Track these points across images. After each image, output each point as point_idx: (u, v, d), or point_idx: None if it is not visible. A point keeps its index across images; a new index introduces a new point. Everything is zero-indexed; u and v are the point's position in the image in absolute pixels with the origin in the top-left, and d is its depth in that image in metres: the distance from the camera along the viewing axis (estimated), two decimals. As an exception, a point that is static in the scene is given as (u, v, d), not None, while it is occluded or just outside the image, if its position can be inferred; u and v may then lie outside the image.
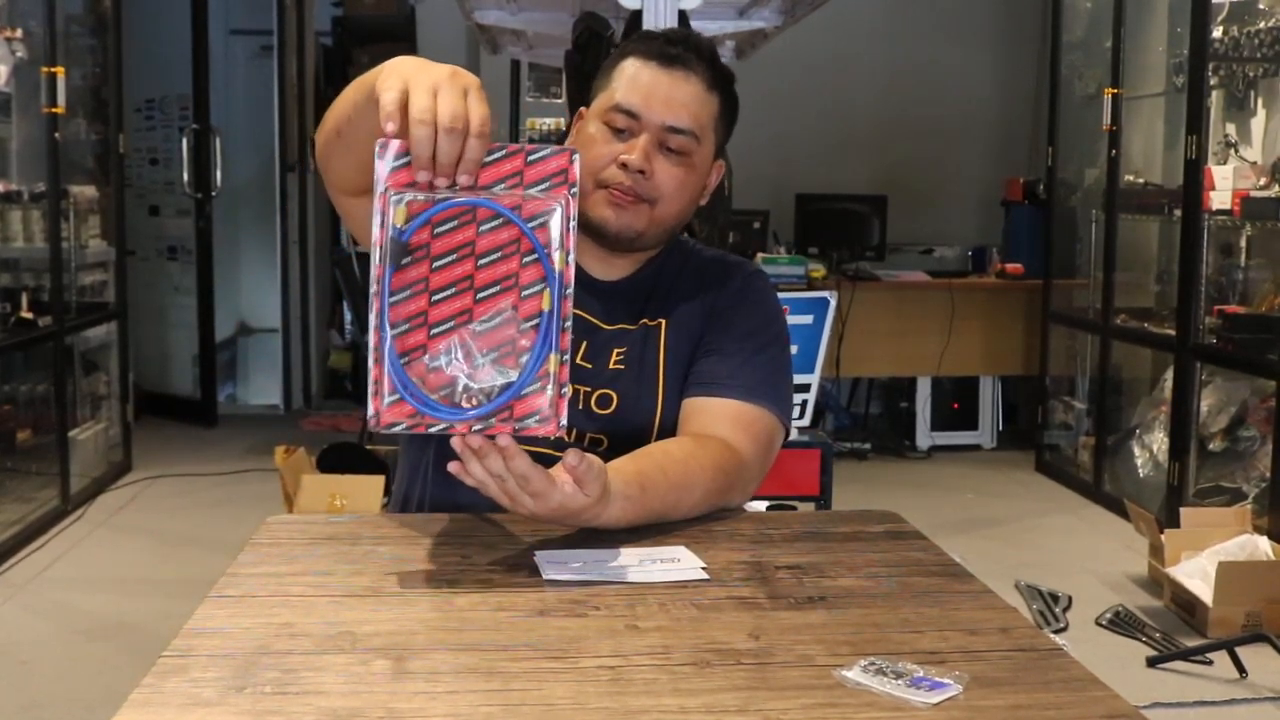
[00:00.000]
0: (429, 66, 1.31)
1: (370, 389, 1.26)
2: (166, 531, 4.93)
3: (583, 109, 1.81)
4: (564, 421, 1.30)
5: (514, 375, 1.29)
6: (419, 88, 1.27)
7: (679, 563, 1.40)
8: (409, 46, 7.59)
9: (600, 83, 1.79)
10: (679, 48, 1.74)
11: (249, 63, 7.41)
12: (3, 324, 4.90)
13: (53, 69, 5.02)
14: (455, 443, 1.31)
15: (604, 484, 1.41)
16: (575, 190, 1.30)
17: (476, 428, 1.29)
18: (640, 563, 1.39)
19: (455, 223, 1.28)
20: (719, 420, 1.68)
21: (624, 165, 1.71)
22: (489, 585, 1.33)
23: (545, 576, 1.35)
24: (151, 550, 4.69)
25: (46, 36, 5.02)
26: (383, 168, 1.27)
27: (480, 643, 1.17)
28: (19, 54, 4.91)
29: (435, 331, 1.26)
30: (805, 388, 3.39)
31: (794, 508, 3.34)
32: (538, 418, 1.30)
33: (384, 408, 1.26)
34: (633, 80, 1.73)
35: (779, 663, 1.14)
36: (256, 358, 7.55)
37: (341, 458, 4.71)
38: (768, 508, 2.88)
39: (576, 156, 1.31)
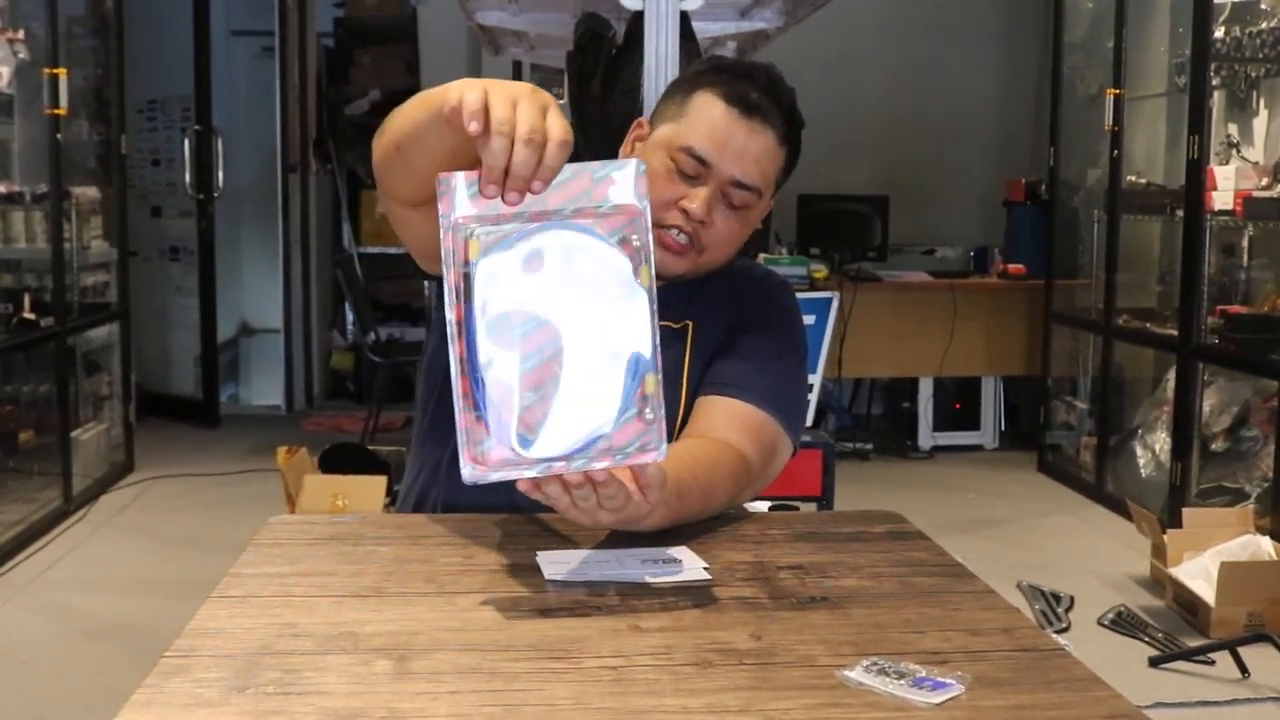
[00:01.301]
0: (506, 82, 1.28)
1: (461, 440, 1.20)
2: (168, 532, 4.92)
3: (643, 120, 1.79)
4: (665, 448, 1.26)
5: (612, 405, 1.24)
6: (498, 98, 1.24)
7: (681, 563, 1.40)
8: (410, 48, 7.60)
9: (672, 104, 1.74)
10: (763, 96, 1.69)
11: (250, 63, 7.38)
12: (5, 324, 4.89)
13: (55, 70, 5.02)
14: (548, 486, 1.26)
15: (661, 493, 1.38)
16: (645, 201, 1.26)
17: (576, 464, 1.24)
18: (642, 563, 1.39)
19: (534, 248, 1.22)
20: (727, 421, 1.67)
21: (684, 211, 1.69)
22: (491, 586, 1.33)
23: (547, 577, 1.35)
24: (153, 551, 4.69)
25: (48, 38, 5.02)
26: (449, 204, 1.22)
27: (482, 643, 1.17)
28: (21, 55, 4.91)
29: (524, 368, 1.21)
30: (808, 388, 3.46)
31: (796, 508, 3.31)
32: (638, 445, 1.25)
33: (483, 455, 1.20)
34: (709, 125, 1.69)
35: (781, 663, 1.13)
36: (258, 358, 7.55)
37: (343, 458, 4.69)
38: (770, 508, 2.84)
39: (643, 169, 1.26)
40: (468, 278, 1.20)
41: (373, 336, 6.19)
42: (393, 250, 7.15)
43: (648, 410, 1.24)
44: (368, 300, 6.36)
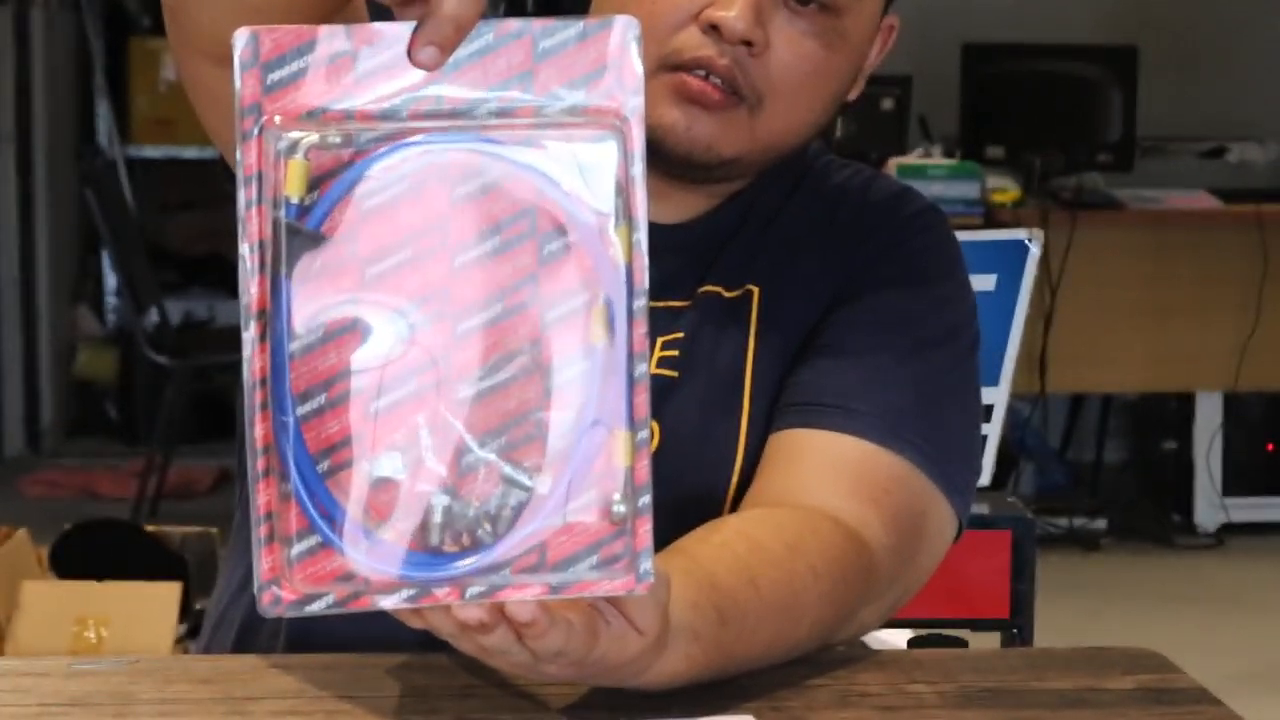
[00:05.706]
0: None
1: (257, 537, 0.84)
2: None
3: None
4: (648, 566, 0.86)
5: (544, 479, 0.86)
6: None
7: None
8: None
9: None
10: None
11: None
12: None
13: None
14: (434, 616, 0.88)
15: (665, 614, 0.95)
16: (639, 101, 0.86)
17: (474, 592, 0.85)
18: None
19: (406, 185, 0.85)
20: (828, 475, 1.21)
21: (713, 28, 1.18)
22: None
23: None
24: None
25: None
26: (253, 85, 0.82)
27: None
28: None
29: (379, 405, 0.86)
30: (982, 413, 2.64)
31: (963, 643, 2.52)
32: (595, 561, 0.85)
33: (290, 568, 0.83)
34: None
35: None
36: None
37: (99, 548, 3.64)
38: (911, 642, 2.35)
39: (636, 30, 0.87)
40: (287, 230, 0.83)
41: (156, 318, 4.79)
42: (193, 153, 5.61)
43: (616, 497, 0.86)
44: (145, 249, 4.91)
